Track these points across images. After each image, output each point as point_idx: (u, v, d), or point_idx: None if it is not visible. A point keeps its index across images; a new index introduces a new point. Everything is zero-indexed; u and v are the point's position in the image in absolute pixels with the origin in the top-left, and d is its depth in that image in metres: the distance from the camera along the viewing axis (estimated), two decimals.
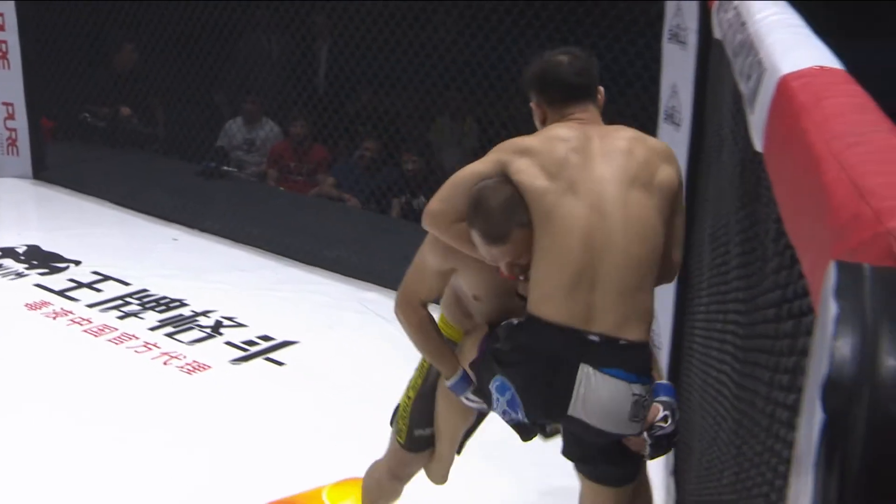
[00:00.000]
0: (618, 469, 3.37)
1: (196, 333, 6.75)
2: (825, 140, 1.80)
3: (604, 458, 3.33)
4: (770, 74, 2.60)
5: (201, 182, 9.60)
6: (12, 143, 9.57)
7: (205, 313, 7.06)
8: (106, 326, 6.79)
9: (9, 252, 7.82)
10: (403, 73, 8.58)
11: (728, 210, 3.92)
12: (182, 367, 6.22)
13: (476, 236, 3.20)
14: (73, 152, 10.34)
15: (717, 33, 4.46)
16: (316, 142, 9.72)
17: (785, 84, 2.40)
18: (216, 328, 6.84)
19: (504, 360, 3.27)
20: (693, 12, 5.55)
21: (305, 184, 9.62)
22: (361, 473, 5.04)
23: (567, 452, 3.41)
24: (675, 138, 5.73)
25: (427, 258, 3.54)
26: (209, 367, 6.28)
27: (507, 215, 3.16)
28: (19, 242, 8.14)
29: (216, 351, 6.49)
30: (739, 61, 3.31)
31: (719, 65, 4.56)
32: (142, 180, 9.62)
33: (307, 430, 5.50)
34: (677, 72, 5.77)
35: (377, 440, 5.32)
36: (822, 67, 2.45)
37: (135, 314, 7.03)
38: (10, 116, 9.46)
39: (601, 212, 3.15)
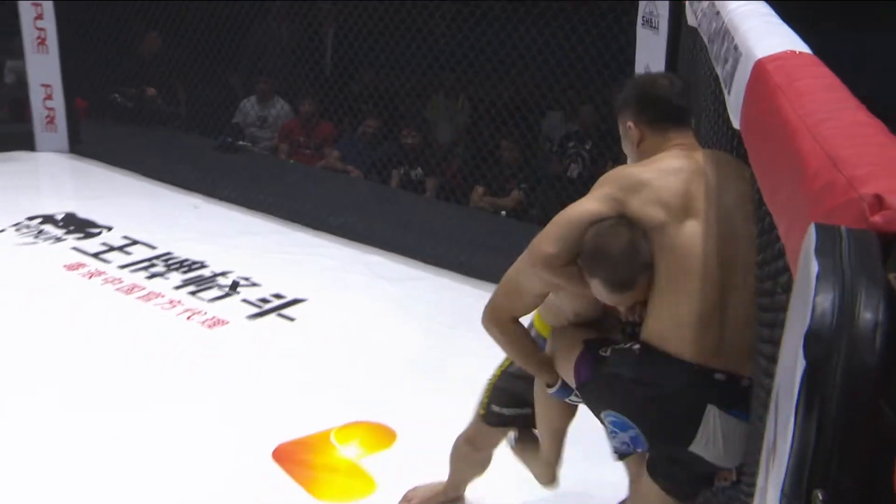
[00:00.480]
0: (701, 490, 3.00)
1: (215, 292, 6.75)
2: (799, 116, 1.81)
3: (695, 481, 2.93)
4: (746, 58, 2.60)
5: (219, 155, 9.60)
6: (50, 120, 9.61)
7: (223, 273, 7.06)
8: (135, 286, 6.80)
9: (48, 219, 7.83)
10: (402, 55, 8.55)
11: None
12: (203, 322, 6.22)
13: (598, 285, 2.81)
14: (104, 129, 10.35)
15: (692, 21, 4.45)
16: (323, 119, 9.73)
17: (760, 67, 2.41)
18: (233, 287, 6.84)
19: (621, 389, 2.87)
20: (664, 1, 5.60)
21: (313, 157, 9.62)
22: (365, 417, 5.07)
23: (655, 467, 2.96)
24: None
25: (525, 283, 3.09)
26: (227, 321, 6.28)
27: (632, 262, 2.76)
28: (57, 210, 8.13)
29: (233, 308, 6.50)
30: (715, 47, 3.30)
31: (693, 50, 4.56)
32: (166, 154, 9.64)
33: (316, 378, 5.50)
34: (650, 54, 5.79)
35: (380, 387, 5.37)
36: (793, 52, 2.46)
37: (160, 275, 7.04)
38: (49, 97, 9.54)
39: (732, 244, 2.72)
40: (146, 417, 4.98)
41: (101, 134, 10.19)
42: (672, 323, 2.74)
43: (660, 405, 2.77)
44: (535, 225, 7.87)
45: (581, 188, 7.44)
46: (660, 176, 2.84)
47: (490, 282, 6.77)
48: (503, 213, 8.47)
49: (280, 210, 8.36)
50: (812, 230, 1.16)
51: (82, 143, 9.89)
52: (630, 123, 3.07)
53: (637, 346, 2.86)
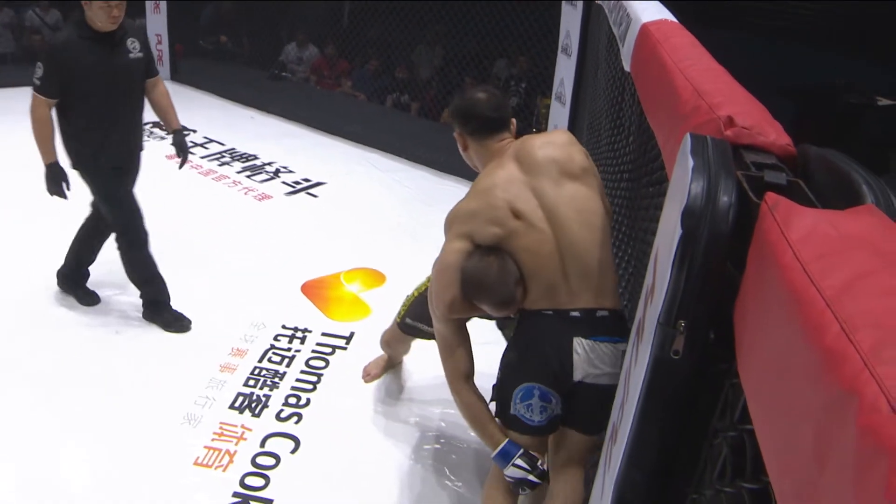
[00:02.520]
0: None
1: (264, 175, 6.68)
2: (674, 61, 1.75)
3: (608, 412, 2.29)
4: (635, 22, 2.53)
5: (269, 82, 9.51)
6: (160, 58, 9.54)
7: (269, 163, 6.99)
8: (210, 170, 6.73)
9: (156, 124, 7.68)
10: (397, 16, 8.46)
11: (601, 109, 3.87)
12: (255, 197, 6.18)
13: (487, 307, 2.49)
14: (193, 64, 10.17)
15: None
16: (341, 58, 9.64)
17: (645, 28, 2.34)
18: (276, 173, 6.76)
19: (513, 361, 2.53)
20: None
21: (333, 85, 9.53)
22: (364, 264, 5.07)
23: (588, 426, 2.54)
24: (566, 63, 5.67)
25: (448, 335, 2.63)
26: (272, 196, 6.24)
27: (507, 282, 2.41)
28: None
29: (276, 187, 6.44)
30: (614, 15, 3.22)
31: (598, 19, 4.49)
32: (233, 81, 9.54)
33: (331, 237, 5.50)
34: (570, 22, 5.67)
35: (376, 244, 5.35)
36: (667, 20, 2.40)
37: (227, 163, 6.97)
38: (159, 42, 9.57)
39: (554, 222, 2.40)
40: (216, 260, 4.99)
41: (191, 67, 10.03)
42: (534, 295, 2.43)
43: (535, 351, 2.43)
44: None
45: (518, 114, 7.37)
46: (481, 200, 2.47)
47: (453, 174, 6.77)
48: None
49: (310, 120, 8.26)
50: (688, 137, 1.12)
51: (179, 73, 9.79)
52: (455, 133, 2.68)
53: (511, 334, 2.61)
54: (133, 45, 3.91)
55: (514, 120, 2.64)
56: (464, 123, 2.62)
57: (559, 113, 5.77)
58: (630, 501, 1.20)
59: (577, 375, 2.38)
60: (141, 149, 4.20)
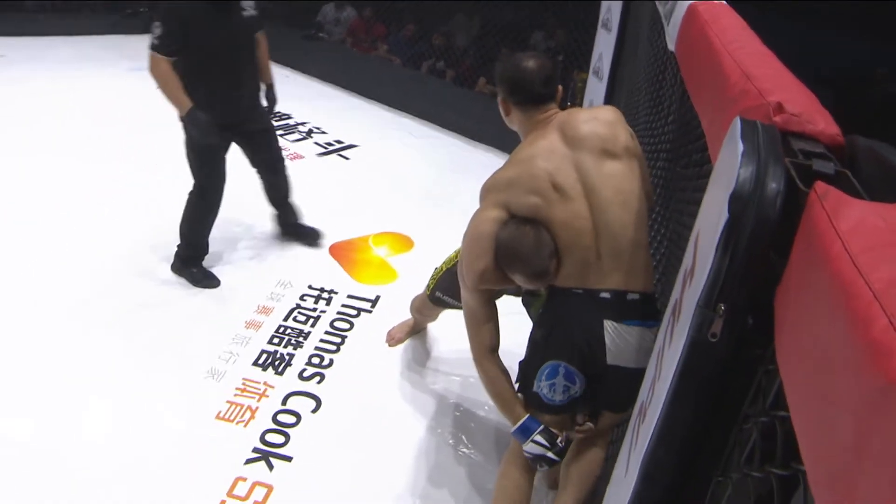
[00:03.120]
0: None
1: (297, 135, 6.70)
2: (723, 43, 1.74)
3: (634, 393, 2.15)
4: (682, 2, 2.50)
5: (305, 42, 9.40)
6: None
7: (302, 123, 7.00)
8: None
9: None
10: None
11: (639, 87, 3.85)
12: (288, 156, 6.03)
13: (520, 279, 2.44)
14: None
15: None
16: (378, 21, 9.58)
17: (693, 7, 2.32)
18: (309, 133, 6.77)
19: (540, 338, 2.50)
20: None
21: (369, 48, 9.45)
22: (393, 229, 5.08)
23: (616, 404, 2.53)
24: (606, 38, 5.63)
25: (476, 307, 2.59)
26: (304, 157, 6.26)
27: (541, 254, 2.35)
28: None
29: (308, 147, 6.45)
30: None
31: None
32: (270, 40, 9.40)
33: (361, 199, 5.53)
34: None
35: (405, 208, 5.36)
36: (716, 1, 2.37)
37: None
38: None
39: (592, 199, 2.35)
40: (245, 218, 5.01)
41: None
42: (566, 271, 2.37)
43: (563, 330, 2.40)
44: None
45: None
46: (521, 170, 2.43)
47: (484, 143, 6.76)
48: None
49: (344, 82, 8.27)
50: (737, 121, 1.12)
51: None
52: (500, 99, 2.58)
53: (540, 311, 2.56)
54: (248, 2, 4.05)
55: (560, 88, 2.56)
56: (511, 92, 2.54)
57: (596, 88, 5.73)
58: (657, 480, 1.22)
59: (609, 359, 2.35)
60: (255, 107, 4.26)
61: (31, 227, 4.71)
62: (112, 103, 6.92)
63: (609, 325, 2.33)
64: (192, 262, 4.38)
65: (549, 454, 2.50)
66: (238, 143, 4.27)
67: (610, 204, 2.35)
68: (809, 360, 0.81)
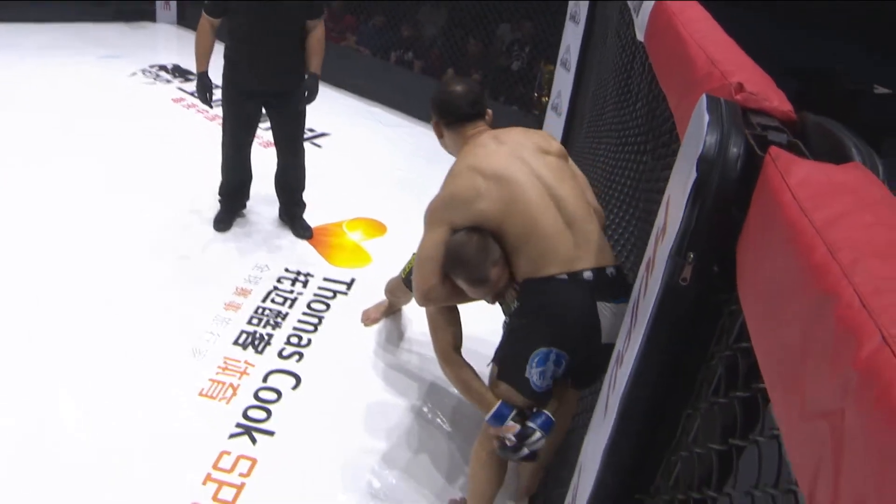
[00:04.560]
0: None
1: (269, 123, 6.76)
2: (689, 32, 1.90)
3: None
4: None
5: None
6: (166, 3, 9.67)
7: None
8: (216, 116, 6.56)
9: (162, 67, 7.79)
10: None
11: (608, 75, 4.02)
12: (260, 144, 6.07)
13: (463, 284, 2.56)
14: (199, 10, 10.14)
15: None
16: (346, 13, 9.67)
17: (660, 2, 2.48)
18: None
19: (527, 326, 2.53)
20: None
21: (338, 38, 9.54)
22: (366, 214, 5.21)
23: (579, 381, 2.68)
24: (574, 30, 5.79)
25: (433, 315, 2.77)
26: None
27: (482, 261, 2.47)
28: (168, 62, 8.04)
29: None
30: None
31: None
32: None
33: (334, 186, 5.62)
34: None
35: (377, 195, 5.48)
36: None
37: None
38: None
39: (542, 181, 2.48)
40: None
41: (198, 12, 9.96)
42: (536, 259, 2.46)
43: (553, 316, 2.46)
44: (487, 99, 7.99)
45: (519, 79, 7.48)
46: (458, 182, 2.55)
47: None
48: None
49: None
50: (704, 97, 1.28)
51: (186, 19, 9.71)
52: (433, 122, 2.79)
53: (516, 304, 2.58)
54: None
55: (490, 112, 2.76)
56: (441, 114, 2.74)
57: (563, 79, 5.90)
58: (633, 417, 1.38)
59: (604, 339, 2.40)
60: (286, 85, 4.56)
61: (7, 214, 4.77)
62: (83, 92, 6.96)
63: (604, 307, 2.41)
64: (223, 195, 4.90)
65: (525, 448, 2.51)
66: (267, 114, 4.69)
67: (560, 181, 2.51)
68: (764, 290, 0.98)
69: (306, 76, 4.56)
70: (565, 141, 5.84)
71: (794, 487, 0.90)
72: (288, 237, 4.87)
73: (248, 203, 5.04)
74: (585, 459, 1.69)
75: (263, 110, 4.64)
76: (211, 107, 4.66)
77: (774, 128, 1.27)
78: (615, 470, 1.44)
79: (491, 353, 2.69)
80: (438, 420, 3.52)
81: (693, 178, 1.15)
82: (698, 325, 1.27)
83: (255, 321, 4.03)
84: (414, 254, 3.62)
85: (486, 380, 2.69)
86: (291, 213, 4.99)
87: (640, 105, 2.77)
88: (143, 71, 7.72)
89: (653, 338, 1.29)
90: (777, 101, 1.39)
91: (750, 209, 1.13)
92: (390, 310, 4.15)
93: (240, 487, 3.08)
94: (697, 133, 1.20)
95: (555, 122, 6.02)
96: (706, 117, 1.19)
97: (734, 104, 1.30)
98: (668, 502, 1.37)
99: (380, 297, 4.12)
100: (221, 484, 3.08)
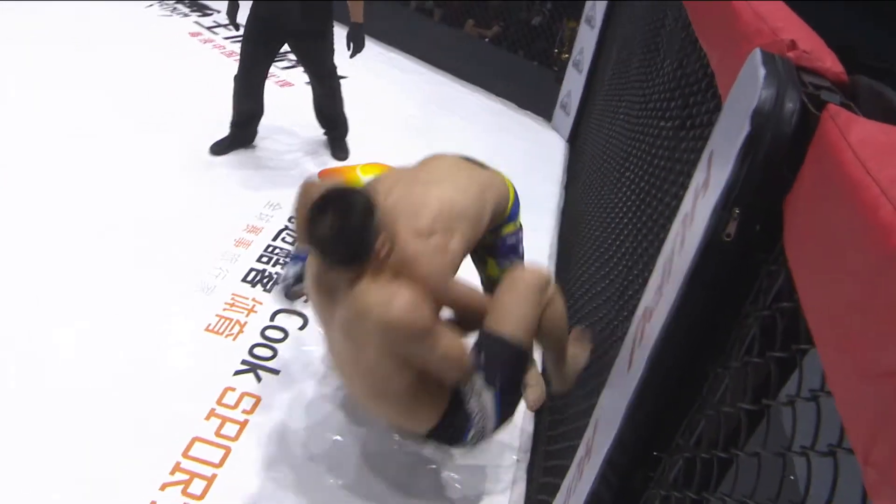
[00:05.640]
0: None
1: (286, 63, 6.67)
2: None
3: None
4: None
5: None
6: None
7: (291, 52, 7.02)
8: (233, 52, 6.57)
9: (180, 0, 7.70)
10: None
11: (636, 35, 3.96)
12: (277, 83, 6.17)
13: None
14: None
15: None
16: None
17: None
18: (298, 62, 6.79)
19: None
20: None
21: None
22: (379, 159, 5.17)
23: None
24: None
25: (440, 338, 2.35)
26: (293, 84, 6.28)
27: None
28: None
29: (297, 75, 6.40)
30: None
31: None
32: None
33: (350, 127, 5.58)
34: None
35: (391, 140, 5.46)
36: None
37: None
38: None
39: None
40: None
41: None
42: None
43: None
44: (505, 51, 7.95)
45: (540, 34, 7.41)
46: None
47: (469, 82, 6.86)
48: (486, 39, 8.42)
49: (335, 17, 8.20)
50: (758, 51, 1.25)
51: None
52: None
53: None
54: None
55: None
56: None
57: (587, 35, 5.83)
58: (659, 373, 1.37)
59: None
60: (308, 23, 4.73)
61: (14, 144, 4.74)
62: (96, 24, 6.86)
63: None
64: (233, 123, 5.00)
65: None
66: (291, 49, 4.93)
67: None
68: (819, 248, 0.96)
69: (350, 26, 4.79)
70: (584, 99, 5.79)
71: (836, 448, 0.89)
72: (301, 175, 4.83)
73: (265, 143, 5.02)
74: (603, 413, 1.68)
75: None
76: (238, 28, 4.81)
77: (827, 88, 1.24)
78: (636, 425, 1.44)
79: None
80: None
81: (745, 133, 1.13)
82: (733, 285, 1.26)
83: (264, 259, 4.02)
84: None
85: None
86: (330, 136, 5.31)
87: (669, 63, 2.72)
88: (162, 3, 7.63)
89: (688, 293, 1.28)
90: (830, 61, 1.35)
91: (803, 166, 1.10)
92: None
93: (243, 424, 3.10)
94: (750, 87, 1.17)
95: (575, 79, 5.96)
96: (762, 70, 1.16)
97: (788, 61, 1.27)
98: (689, 460, 1.36)
99: None
100: (224, 420, 3.10)
